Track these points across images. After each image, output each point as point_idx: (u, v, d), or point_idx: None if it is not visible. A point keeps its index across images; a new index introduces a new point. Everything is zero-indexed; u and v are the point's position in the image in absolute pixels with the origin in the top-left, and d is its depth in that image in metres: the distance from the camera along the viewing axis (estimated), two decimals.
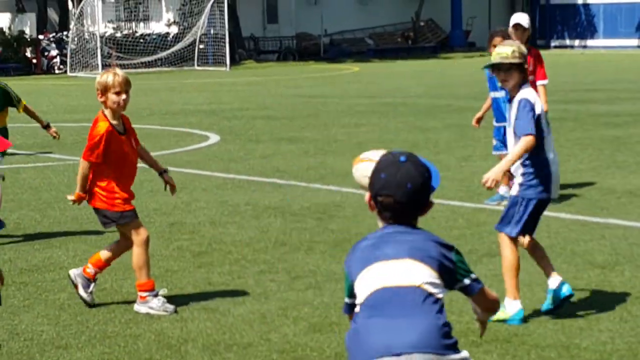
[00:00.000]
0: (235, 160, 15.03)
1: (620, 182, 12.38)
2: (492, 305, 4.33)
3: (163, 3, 48.84)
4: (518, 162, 6.73)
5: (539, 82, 11.31)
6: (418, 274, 3.87)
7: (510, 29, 11.12)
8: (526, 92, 6.71)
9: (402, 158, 4.00)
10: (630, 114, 20.22)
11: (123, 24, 48.77)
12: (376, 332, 3.85)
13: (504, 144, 10.72)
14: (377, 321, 3.85)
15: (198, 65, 43.53)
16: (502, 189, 10.80)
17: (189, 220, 10.36)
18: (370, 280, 3.92)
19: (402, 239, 3.99)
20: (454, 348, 3.85)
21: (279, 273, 8.24)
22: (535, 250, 7.10)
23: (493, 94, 10.90)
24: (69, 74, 41.31)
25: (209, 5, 43.12)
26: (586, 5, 53.50)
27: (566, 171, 12.59)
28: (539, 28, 53.94)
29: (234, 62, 44.32)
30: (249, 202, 11.21)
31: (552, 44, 52.11)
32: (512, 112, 6.79)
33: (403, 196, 3.95)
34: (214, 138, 17.96)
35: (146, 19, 49.09)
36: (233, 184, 12.87)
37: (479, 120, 11.41)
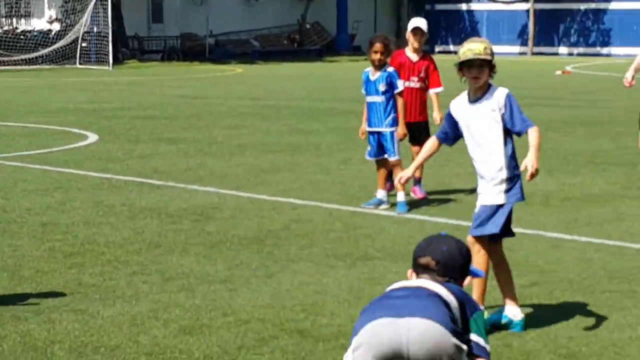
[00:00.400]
0: (113, 160, 14.84)
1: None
2: None
3: (45, 0, 48.06)
4: (497, 167, 6.70)
5: (433, 90, 11.49)
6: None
7: (409, 33, 11.31)
8: (503, 89, 6.72)
9: (443, 233, 4.84)
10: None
11: (3, 19, 48.08)
12: (386, 307, 4.26)
13: (378, 149, 10.89)
14: (388, 302, 4.31)
15: (80, 64, 42.91)
16: (380, 193, 10.99)
17: (63, 221, 10.20)
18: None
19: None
20: (458, 335, 4.16)
21: (152, 275, 8.19)
22: (500, 266, 7.04)
23: (370, 99, 10.99)
24: None
25: (92, 3, 42.54)
26: (470, 12, 55.48)
27: (448, 175, 13.34)
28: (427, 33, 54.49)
29: (117, 61, 43.89)
30: (124, 203, 11.12)
31: (437, 49, 52.69)
32: (481, 114, 6.64)
33: (442, 254, 4.56)
34: (92, 137, 17.68)
35: (27, 16, 48.37)
36: (110, 184, 12.73)
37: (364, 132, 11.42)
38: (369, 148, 11.14)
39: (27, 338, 6.39)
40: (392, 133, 10.79)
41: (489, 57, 6.66)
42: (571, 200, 11.86)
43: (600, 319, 7.03)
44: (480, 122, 6.60)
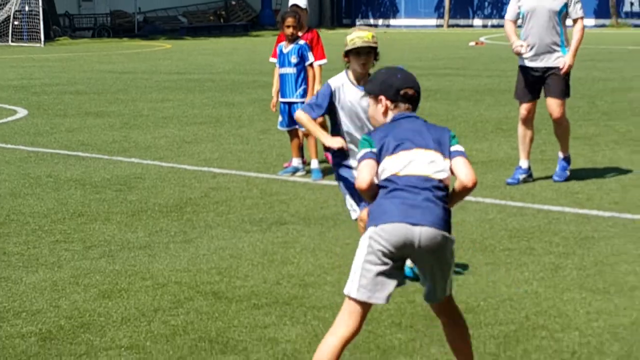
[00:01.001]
0: (41, 134, 14.98)
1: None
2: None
3: None
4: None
5: (317, 62, 11.63)
6: (438, 166, 4.85)
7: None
8: None
9: (401, 67, 5.37)
10: (425, 89, 21.08)
11: None
12: (397, 204, 4.71)
13: (289, 119, 11.11)
14: (399, 197, 4.73)
15: (12, 42, 43.52)
16: (295, 161, 11.23)
17: None
18: (399, 162, 4.83)
19: (427, 130, 5.01)
20: (450, 231, 4.80)
21: (74, 242, 8.38)
22: None
23: (282, 70, 11.18)
24: None
25: None
26: None
27: None
28: (345, 8, 57.53)
29: (48, 38, 44.48)
30: (50, 175, 11.27)
31: (357, 23, 53.11)
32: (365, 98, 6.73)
33: (419, 88, 5.10)
34: (21, 112, 17.79)
35: None
36: (37, 157, 12.87)
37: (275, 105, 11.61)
38: (280, 119, 11.45)
39: None
40: (302, 104, 11.03)
41: (375, 45, 6.91)
42: (477, 164, 12.13)
43: (499, 276, 7.37)
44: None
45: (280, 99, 11.18)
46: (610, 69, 26.14)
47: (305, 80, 11.11)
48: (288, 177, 11.15)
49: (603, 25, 47.36)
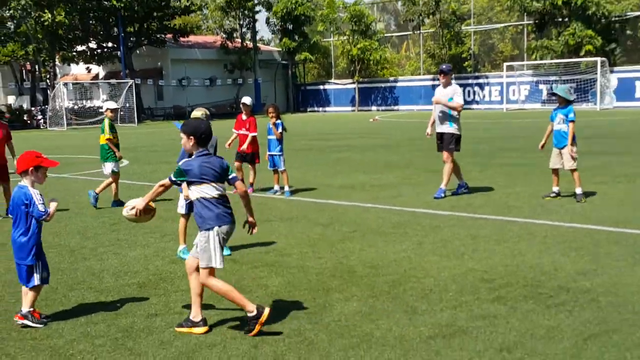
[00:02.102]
0: (135, 174, 19.90)
1: (339, 181, 17.74)
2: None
3: (100, 90, 67.24)
4: None
5: (251, 134, 16.05)
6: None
7: (242, 106, 15.61)
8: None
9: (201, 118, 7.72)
10: (345, 145, 28.60)
11: (78, 101, 65.00)
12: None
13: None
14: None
15: (118, 124, 56.35)
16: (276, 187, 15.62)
17: None
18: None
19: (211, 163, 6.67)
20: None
21: (155, 233, 11.50)
22: None
23: (269, 137, 15.81)
24: (48, 128, 55.97)
25: (124, 91, 61.43)
26: (325, 89, 76.27)
27: (312, 177, 17.98)
28: (302, 101, 78.73)
29: (139, 121, 60.05)
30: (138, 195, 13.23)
31: (309, 109, 76.50)
32: None
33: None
34: (125, 162, 23.22)
35: (90, 98, 65.83)
36: (130, 187, 17.02)
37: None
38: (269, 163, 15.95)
39: None
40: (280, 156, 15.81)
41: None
42: (374, 186, 16.34)
43: (389, 247, 10.17)
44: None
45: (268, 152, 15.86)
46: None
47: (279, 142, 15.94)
48: (271, 195, 15.58)
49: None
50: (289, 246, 10.61)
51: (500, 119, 46.65)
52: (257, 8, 73.29)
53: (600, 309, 7.27)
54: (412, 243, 10.56)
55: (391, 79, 72.45)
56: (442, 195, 14.53)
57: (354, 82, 72.44)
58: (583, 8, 55.56)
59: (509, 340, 6.48)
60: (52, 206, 7.35)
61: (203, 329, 6.97)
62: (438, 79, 14.82)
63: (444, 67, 14.52)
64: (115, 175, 15.02)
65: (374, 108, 71.89)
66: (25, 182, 7.35)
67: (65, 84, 62.55)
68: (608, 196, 14.18)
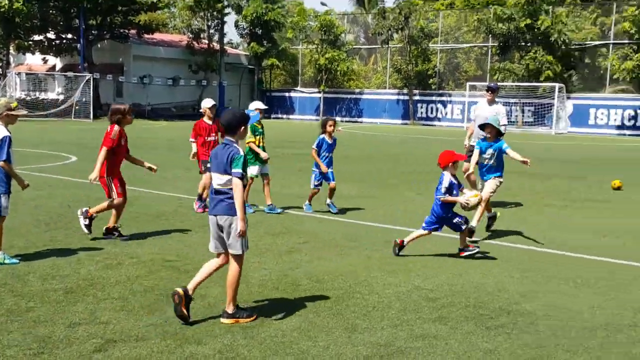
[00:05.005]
0: (82, 171, 18.71)
1: (298, 190, 17.77)
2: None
3: (56, 82, 64.88)
4: None
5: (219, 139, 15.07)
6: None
7: (206, 109, 14.59)
8: None
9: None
10: (309, 154, 27.97)
11: (31, 92, 63.30)
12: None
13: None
14: None
15: (74, 118, 56.73)
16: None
17: None
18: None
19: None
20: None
21: (93, 233, 11.33)
22: None
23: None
24: None
25: (81, 85, 59.66)
26: (290, 97, 76.22)
27: (273, 184, 16.15)
28: (267, 107, 68.09)
29: (94, 117, 56.61)
30: (87, 196, 14.52)
31: (273, 116, 75.39)
32: None
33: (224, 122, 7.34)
34: (73, 158, 23.74)
35: (45, 90, 64.65)
36: (77, 185, 16.26)
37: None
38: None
39: None
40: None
41: None
42: (339, 198, 16.05)
43: (337, 261, 10.24)
44: None
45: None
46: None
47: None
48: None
49: (405, 124, 65.48)
50: (275, 238, 11.06)
51: (460, 136, 46.74)
52: (227, 10, 73.18)
53: (538, 333, 7.43)
54: (361, 257, 10.70)
55: (357, 90, 73.23)
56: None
57: (319, 92, 73.00)
58: (545, 34, 57.21)
59: None
60: None
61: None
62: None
63: (492, 85, 15.15)
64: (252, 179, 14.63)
65: (338, 118, 72.05)
66: None
67: (19, 74, 61.45)
68: (556, 219, 14.58)
